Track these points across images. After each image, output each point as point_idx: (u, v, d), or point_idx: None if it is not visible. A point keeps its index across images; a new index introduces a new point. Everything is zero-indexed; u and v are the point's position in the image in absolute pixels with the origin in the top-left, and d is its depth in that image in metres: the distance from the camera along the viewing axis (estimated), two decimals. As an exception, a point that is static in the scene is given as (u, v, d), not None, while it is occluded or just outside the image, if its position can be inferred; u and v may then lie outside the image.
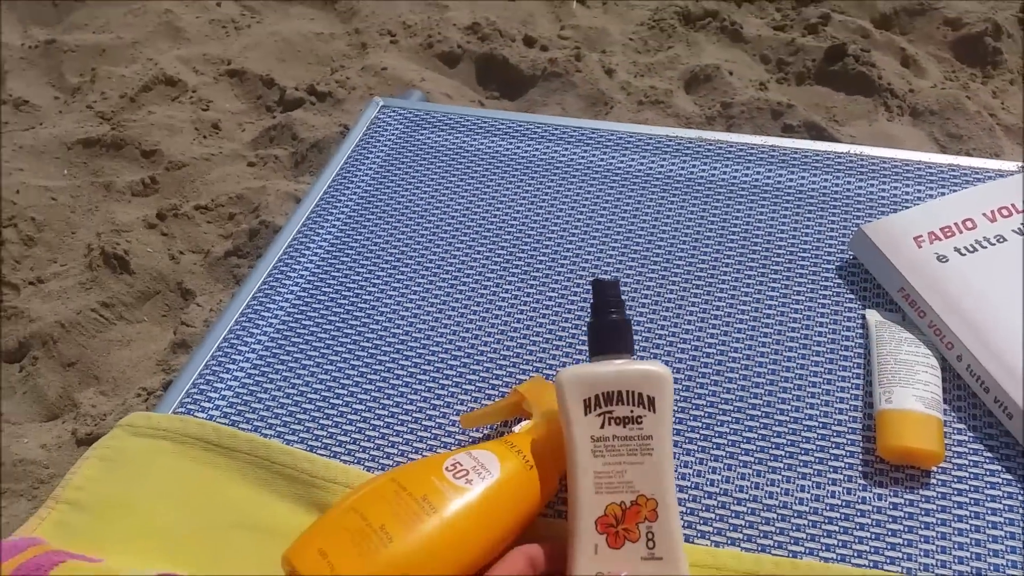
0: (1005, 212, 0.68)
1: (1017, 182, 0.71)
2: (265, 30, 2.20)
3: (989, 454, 0.58)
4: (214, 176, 1.81)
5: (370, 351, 0.70)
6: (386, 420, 0.65)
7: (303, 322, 0.73)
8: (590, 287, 0.57)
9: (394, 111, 0.94)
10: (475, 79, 2.02)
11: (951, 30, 2.05)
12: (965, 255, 0.66)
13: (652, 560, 0.49)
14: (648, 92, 1.91)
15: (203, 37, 2.21)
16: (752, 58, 2.01)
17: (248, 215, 1.69)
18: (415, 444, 0.63)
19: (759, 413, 0.62)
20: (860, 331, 0.66)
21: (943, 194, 0.75)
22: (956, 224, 0.68)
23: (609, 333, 0.54)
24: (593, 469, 0.50)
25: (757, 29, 2.07)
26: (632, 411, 0.50)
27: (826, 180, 0.78)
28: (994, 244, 0.66)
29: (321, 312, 0.73)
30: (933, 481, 0.57)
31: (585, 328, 0.69)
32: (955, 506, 0.55)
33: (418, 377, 0.67)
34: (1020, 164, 0.77)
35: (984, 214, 0.69)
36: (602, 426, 0.51)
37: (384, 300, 0.74)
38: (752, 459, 0.60)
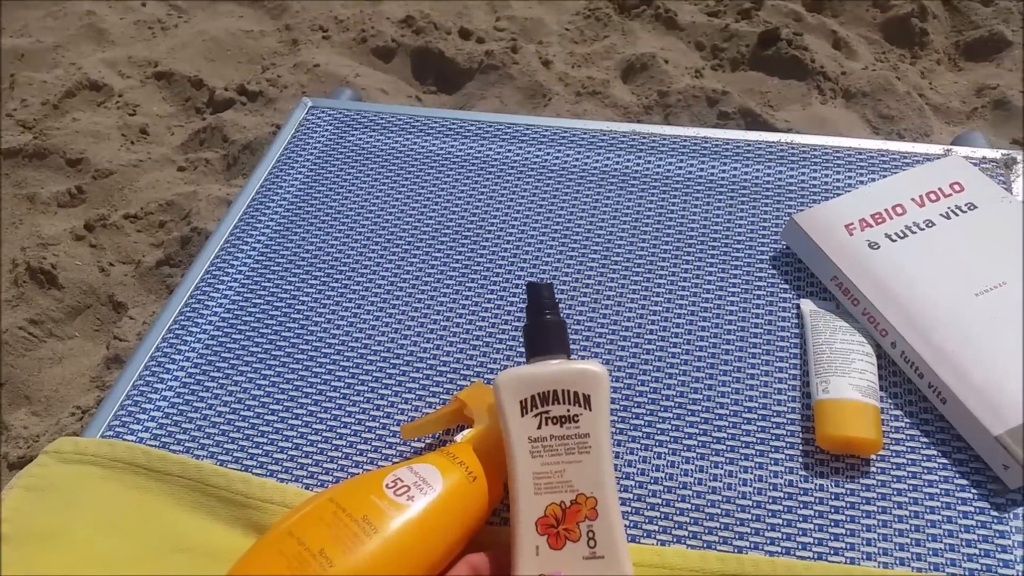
0: (933, 196, 0.69)
1: (943, 166, 0.72)
2: (193, 29, 2.14)
3: (926, 439, 0.58)
4: (143, 183, 1.75)
5: (305, 363, 0.68)
6: (324, 435, 0.63)
7: (233, 336, 0.70)
8: (525, 290, 0.57)
9: (323, 112, 0.92)
10: (411, 73, 1.99)
11: (880, 12, 2.08)
12: (896, 241, 0.66)
13: (594, 559, 0.49)
14: (585, 83, 1.90)
15: (128, 39, 2.14)
16: (687, 45, 2.02)
17: (179, 222, 1.64)
18: (355, 458, 0.61)
19: (699, 407, 0.62)
20: (796, 321, 0.66)
21: (873, 180, 0.75)
22: (886, 210, 0.69)
23: (544, 334, 0.54)
24: (532, 470, 0.50)
25: (691, 16, 2.08)
26: (568, 410, 0.50)
27: (758, 170, 0.78)
28: (923, 229, 0.67)
29: (252, 324, 0.71)
30: (872, 469, 0.57)
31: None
32: (895, 493, 0.56)
33: (356, 388, 0.66)
34: (945, 148, 0.78)
35: (913, 199, 0.69)
36: (539, 426, 0.51)
37: (318, 309, 0.72)
38: (693, 454, 0.59)
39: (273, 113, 1.86)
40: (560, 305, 0.69)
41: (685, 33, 2.04)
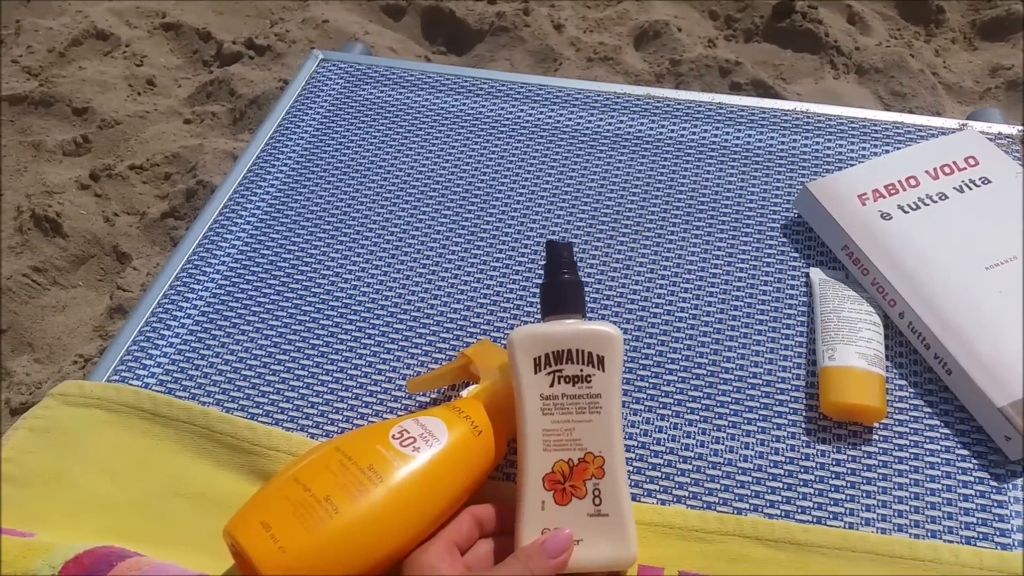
0: (947, 170, 0.69)
1: (958, 140, 0.72)
2: (201, -19, 2.11)
3: (929, 410, 0.59)
4: (149, 134, 1.74)
5: (312, 315, 0.68)
6: (330, 386, 0.63)
7: (241, 286, 0.70)
8: (543, 248, 0.57)
9: (334, 65, 0.91)
10: (420, 33, 1.97)
11: (897, -13, 2.06)
12: (908, 212, 0.66)
13: (598, 516, 0.49)
14: (597, 48, 1.89)
15: (135, -12, 2.12)
16: (701, 14, 1.99)
17: (185, 175, 1.63)
18: (360, 410, 0.62)
19: (704, 372, 0.62)
20: (804, 289, 0.66)
21: (887, 151, 0.75)
22: (900, 182, 0.68)
23: (560, 293, 0.54)
24: (542, 427, 0.51)
25: (706, -16, 2.05)
26: (582, 370, 0.51)
27: (772, 138, 0.78)
28: (936, 201, 0.67)
29: (260, 275, 0.71)
30: (875, 437, 0.57)
31: (534, 289, 0.68)
32: (896, 461, 0.56)
33: (363, 341, 0.66)
34: (961, 122, 0.78)
35: (927, 171, 0.69)
36: (551, 384, 0.51)
37: (326, 262, 0.72)
38: (697, 417, 0.60)
39: (281, 68, 1.85)
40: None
41: (699, 2, 2.02)
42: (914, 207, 0.66)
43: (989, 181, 0.68)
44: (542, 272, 0.55)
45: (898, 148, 0.75)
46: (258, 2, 2.06)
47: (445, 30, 1.96)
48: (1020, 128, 0.77)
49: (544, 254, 0.55)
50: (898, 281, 0.62)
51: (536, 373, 0.51)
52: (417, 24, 1.98)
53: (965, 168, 0.69)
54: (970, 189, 0.67)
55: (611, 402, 0.51)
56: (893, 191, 0.68)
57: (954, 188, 0.67)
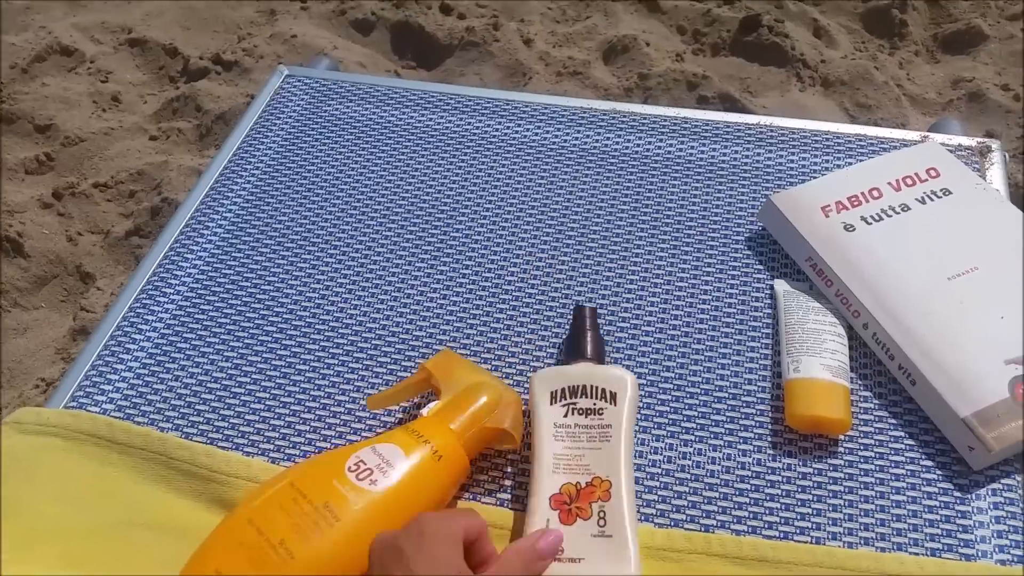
0: (909, 181, 0.69)
1: (920, 152, 0.72)
2: (168, -4, 2.09)
3: (894, 421, 0.59)
4: (114, 152, 1.72)
5: (274, 335, 0.67)
6: (291, 408, 0.62)
7: (201, 306, 0.69)
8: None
9: (300, 81, 0.90)
10: (390, 48, 1.96)
11: (860, 1, 2.08)
12: (871, 224, 0.66)
13: (602, 537, 0.50)
14: (566, 63, 1.89)
15: (101, 3, 2.09)
16: (669, 29, 2.01)
17: (150, 192, 1.61)
18: (323, 432, 0.61)
19: (670, 385, 0.62)
20: (769, 301, 0.67)
21: (851, 164, 0.75)
22: (863, 193, 0.69)
23: (584, 344, 0.59)
24: (553, 451, 0.54)
25: (674, -1, 2.07)
26: (594, 404, 0.55)
27: (736, 151, 0.78)
28: (899, 213, 0.67)
29: (221, 296, 0.70)
30: (840, 449, 0.57)
31: (501, 304, 0.67)
32: (861, 473, 0.56)
33: (325, 361, 0.65)
34: (923, 134, 0.78)
35: (889, 183, 0.69)
36: (565, 415, 0.55)
37: (289, 280, 0.71)
38: (663, 431, 0.59)
39: (248, 83, 1.83)
40: (536, 282, 0.69)
41: (667, 16, 2.03)
42: (877, 218, 0.67)
43: (950, 192, 0.68)
44: (569, 324, 0.62)
45: (861, 160, 0.75)
46: (226, 17, 2.04)
47: (414, 45, 1.96)
48: (980, 140, 0.77)
49: (572, 313, 0.63)
50: (861, 292, 0.62)
51: (552, 404, 0.56)
52: (386, 39, 1.97)
53: (927, 180, 0.69)
54: (932, 200, 0.68)
55: (621, 432, 0.53)
56: (856, 203, 0.68)
57: (916, 200, 0.68)
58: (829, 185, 0.70)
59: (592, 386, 0.56)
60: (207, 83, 1.83)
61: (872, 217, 0.67)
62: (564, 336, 0.65)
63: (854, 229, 0.66)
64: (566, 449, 0.54)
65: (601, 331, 0.63)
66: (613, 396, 0.55)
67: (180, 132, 1.74)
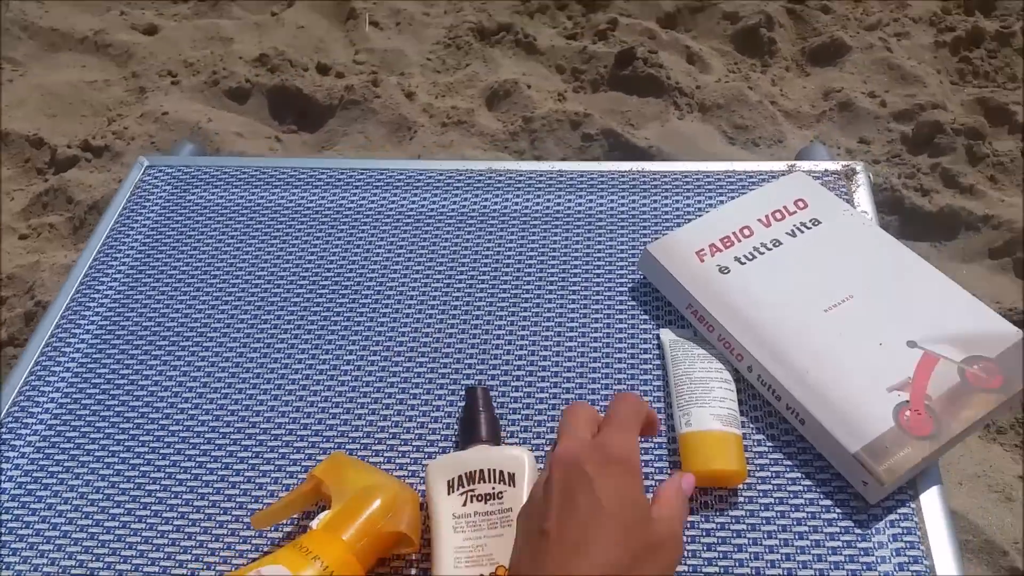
0: (778, 215, 0.70)
1: (786, 184, 0.74)
2: (29, 84, 2.00)
3: (789, 462, 0.59)
4: (-18, 254, 1.63)
5: (151, 444, 0.63)
6: (170, 533, 0.58)
7: (72, 423, 0.65)
8: (463, 392, 0.61)
9: (161, 171, 0.86)
10: (268, 114, 1.92)
11: (730, 24, 2.16)
12: (745, 263, 0.67)
13: None
14: (450, 112, 1.89)
15: (-43, 97, 2.00)
16: (548, 70, 2.03)
17: (22, 296, 1.52)
18: (205, 559, 0.57)
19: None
20: (658, 352, 0.66)
21: (723, 201, 0.76)
22: (734, 233, 0.69)
23: (476, 427, 0.58)
24: (454, 545, 0.52)
25: (550, 40, 2.10)
26: (493, 487, 0.54)
27: (612, 200, 0.78)
28: (771, 249, 0.68)
29: (92, 408, 0.66)
30: (740, 499, 0.57)
31: (386, 400, 0.65)
32: (763, 522, 0.56)
33: (203, 478, 0.61)
34: (789, 163, 0.80)
35: (759, 220, 0.70)
36: (464, 504, 0.53)
37: (163, 383, 0.67)
38: (567, 505, 0.58)
39: (121, 168, 1.76)
40: (425, 352, 0.67)
41: (545, 57, 2.06)
42: (750, 257, 0.67)
43: (819, 222, 0.69)
44: (461, 408, 0.61)
45: (733, 196, 0.76)
46: (93, 100, 1.97)
47: (294, 108, 1.92)
48: (844, 164, 0.79)
49: (464, 396, 0.61)
50: (742, 335, 0.62)
51: (449, 494, 0.54)
52: (264, 105, 1.93)
53: (795, 212, 0.71)
54: (802, 232, 0.69)
55: None
56: (728, 243, 0.68)
57: (786, 233, 0.69)
58: (701, 229, 0.70)
59: (489, 470, 0.54)
60: (77, 172, 1.75)
61: (745, 256, 0.67)
62: (448, 412, 0.63)
63: (729, 271, 0.66)
64: (466, 540, 0.52)
65: (495, 408, 0.61)
66: (511, 477, 0.54)
67: (52, 227, 1.66)
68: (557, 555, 0.42)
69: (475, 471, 0.54)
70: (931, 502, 0.56)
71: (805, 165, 0.79)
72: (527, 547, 0.44)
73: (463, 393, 0.64)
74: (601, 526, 0.42)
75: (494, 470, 0.54)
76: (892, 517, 0.55)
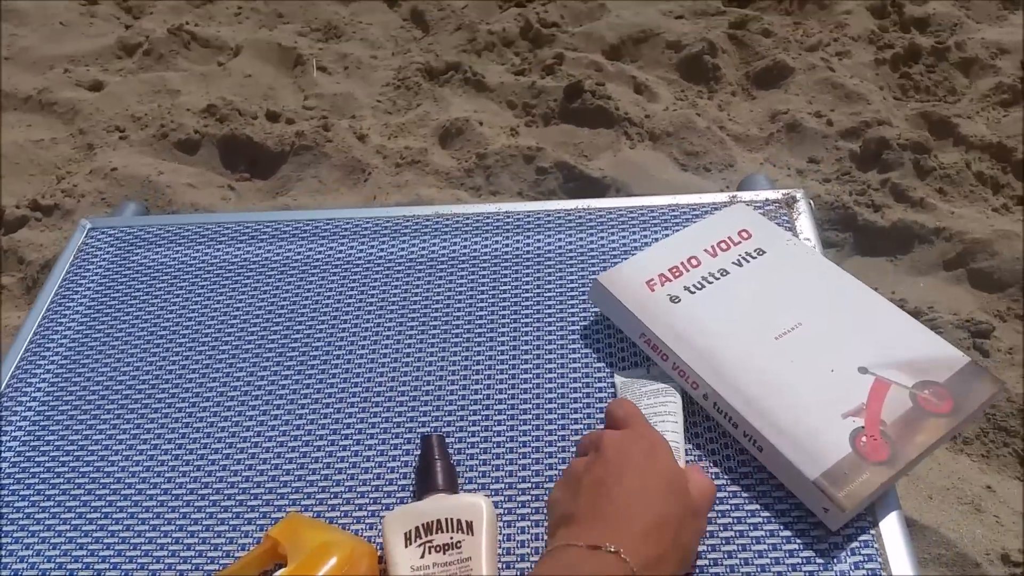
0: (724, 245, 0.71)
1: (730, 215, 0.74)
2: (-26, 144, 1.98)
3: (747, 494, 0.58)
4: (-69, 319, 1.59)
5: (104, 510, 0.62)
6: (121, 605, 0.56)
7: (26, 480, 0.63)
8: (419, 440, 0.62)
9: (104, 232, 0.85)
10: (220, 163, 1.91)
11: (674, 52, 2.20)
12: (695, 292, 0.67)
13: None
14: (404, 153, 1.89)
15: (-101, 162, 1.96)
16: (499, 106, 2.05)
17: (-26, 359, 1.49)
18: (159, 626, 0.55)
19: (528, 497, 0.59)
20: (613, 390, 0.66)
21: (667, 235, 0.77)
22: (682, 263, 0.69)
23: (432, 475, 0.58)
24: None
25: (499, 76, 2.12)
26: (452, 537, 0.53)
27: (560, 239, 0.78)
28: (719, 278, 0.68)
29: (46, 465, 0.64)
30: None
31: (340, 456, 0.64)
32: (725, 556, 0.55)
33: (158, 541, 0.59)
34: (731, 195, 0.81)
35: (706, 250, 0.71)
36: (422, 556, 0.53)
37: (113, 447, 0.66)
38: (528, 549, 0.57)
39: (71, 226, 1.74)
40: (379, 402, 0.67)
41: (495, 94, 2.08)
42: (699, 286, 0.67)
43: (764, 252, 0.70)
44: (417, 457, 0.61)
45: (678, 230, 0.76)
46: (40, 158, 1.94)
47: (245, 156, 1.91)
48: (784, 192, 0.80)
49: (419, 444, 0.61)
50: (695, 363, 0.62)
51: (407, 546, 0.53)
52: (215, 155, 1.92)
53: (740, 242, 0.71)
54: (748, 262, 0.69)
55: (482, 562, 0.52)
56: (677, 273, 0.69)
57: (733, 263, 0.69)
58: (651, 258, 0.70)
59: (447, 519, 0.54)
60: (27, 232, 1.72)
61: (694, 286, 0.68)
62: (405, 461, 0.62)
63: (679, 300, 0.66)
64: None
65: (451, 455, 0.60)
66: (469, 525, 0.53)
67: (5, 288, 1.63)
68: (617, 497, 0.48)
69: (432, 521, 0.54)
70: (890, 528, 0.56)
71: (746, 196, 0.80)
72: (579, 497, 0.49)
73: (415, 444, 0.63)
74: (653, 485, 0.49)
75: (452, 519, 0.54)
76: (854, 544, 0.55)
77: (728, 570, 0.54)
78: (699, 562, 0.55)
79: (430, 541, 0.53)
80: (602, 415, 0.64)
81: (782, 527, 0.56)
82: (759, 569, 0.54)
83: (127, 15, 2.47)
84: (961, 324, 1.48)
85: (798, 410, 0.58)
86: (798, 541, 0.55)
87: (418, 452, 0.63)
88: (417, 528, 0.54)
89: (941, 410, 0.58)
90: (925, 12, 2.23)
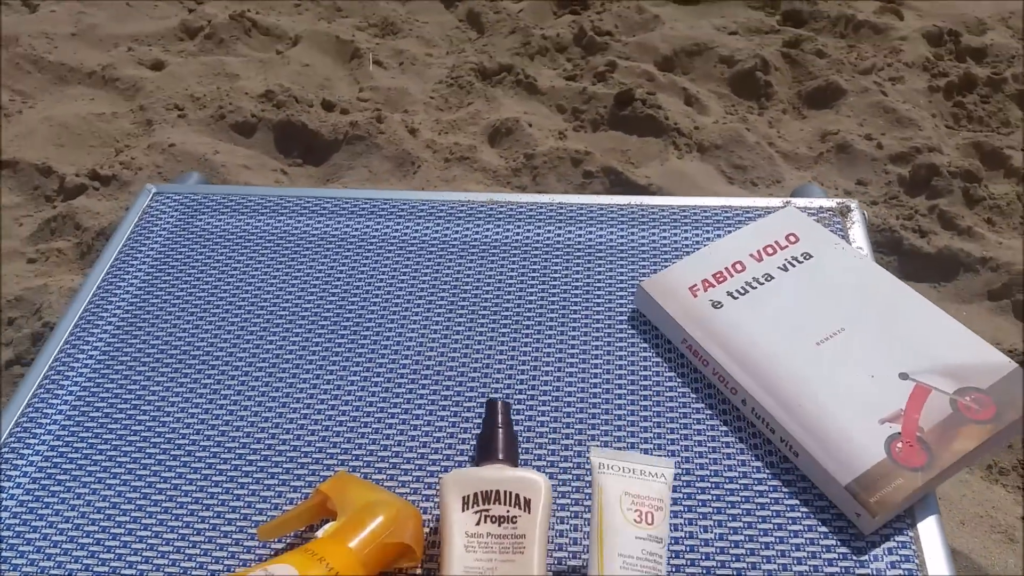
0: (770, 250, 0.72)
1: (778, 219, 0.75)
2: (39, 115, 2.03)
3: (787, 490, 0.59)
4: (-11, 278, 1.64)
5: (158, 457, 0.64)
6: (176, 542, 0.59)
7: (80, 434, 0.65)
8: (484, 404, 0.63)
9: (169, 197, 0.88)
10: (274, 147, 1.95)
11: (727, 67, 2.20)
12: (737, 298, 0.68)
13: None
14: (453, 149, 1.92)
15: (-33, 128, 2.03)
16: (549, 109, 2.07)
17: (30, 318, 1.53)
18: (211, 567, 0.57)
19: (570, 464, 0.61)
20: (657, 389, 0.67)
21: (719, 235, 0.78)
22: (727, 268, 0.70)
23: (494, 443, 0.57)
24: (464, 564, 0.51)
25: (550, 80, 2.14)
26: (508, 511, 0.53)
27: (611, 233, 0.80)
28: (763, 283, 0.69)
29: (100, 420, 0.66)
30: (739, 524, 0.57)
31: (389, 420, 0.66)
32: (763, 548, 0.56)
33: (208, 490, 0.62)
34: (784, 200, 0.82)
35: (751, 255, 0.71)
36: (478, 523, 0.52)
37: (170, 398, 0.68)
38: (567, 526, 0.58)
39: (128, 197, 1.79)
40: (428, 375, 0.68)
41: (546, 97, 2.10)
42: (742, 292, 0.68)
43: (811, 256, 0.71)
44: (480, 423, 0.60)
45: (728, 231, 0.78)
46: (101, 131, 2.00)
47: (299, 143, 1.95)
48: (839, 201, 0.81)
49: (484, 409, 0.60)
50: (735, 369, 0.63)
51: (464, 511, 0.53)
52: (270, 139, 1.96)
53: (787, 246, 0.72)
54: (793, 266, 0.70)
55: (534, 545, 0.51)
56: (721, 279, 0.70)
57: (778, 267, 0.70)
58: (694, 264, 0.71)
59: (506, 492, 0.53)
60: (85, 200, 1.77)
61: (738, 291, 0.68)
62: (451, 432, 0.64)
63: (721, 306, 0.67)
64: (477, 561, 0.51)
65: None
66: (528, 503, 0.53)
67: (60, 252, 1.68)
68: None
69: (491, 491, 0.53)
70: (929, 531, 0.56)
71: (800, 202, 0.81)
72: None
73: (464, 416, 0.65)
74: None
75: (511, 492, 0.53)
76: (890, 545, 0.56)
77: (766, 561, 0.56)
78: (735, 551, 0.56)
79: (487, 510, 0.53)
80: (645, 412, 0.65)
81: (820, 523, 0.57)
82: (796, 562, 0.55)
83: (191, -1, 2.54)
84: (1004, 354, 1.46)
85: (835, 416, 0.59)
86: (835, 538, 0.56)
87: (464, 425, 0.64)
88: (476, 495, 0.53)
89: (982, 416, 0.58)
90: (982, 43, 2.21)
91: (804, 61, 2.19)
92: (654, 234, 0.79)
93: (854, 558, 0.55)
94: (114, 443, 0.65)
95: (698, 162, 1.89)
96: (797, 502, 0.59)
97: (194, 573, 0.57)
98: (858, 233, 0.78)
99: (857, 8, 2.37)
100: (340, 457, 0.64)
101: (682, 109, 2.03)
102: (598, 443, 0.63)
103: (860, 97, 2.08)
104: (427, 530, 0.57)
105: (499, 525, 0.52)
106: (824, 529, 0.57)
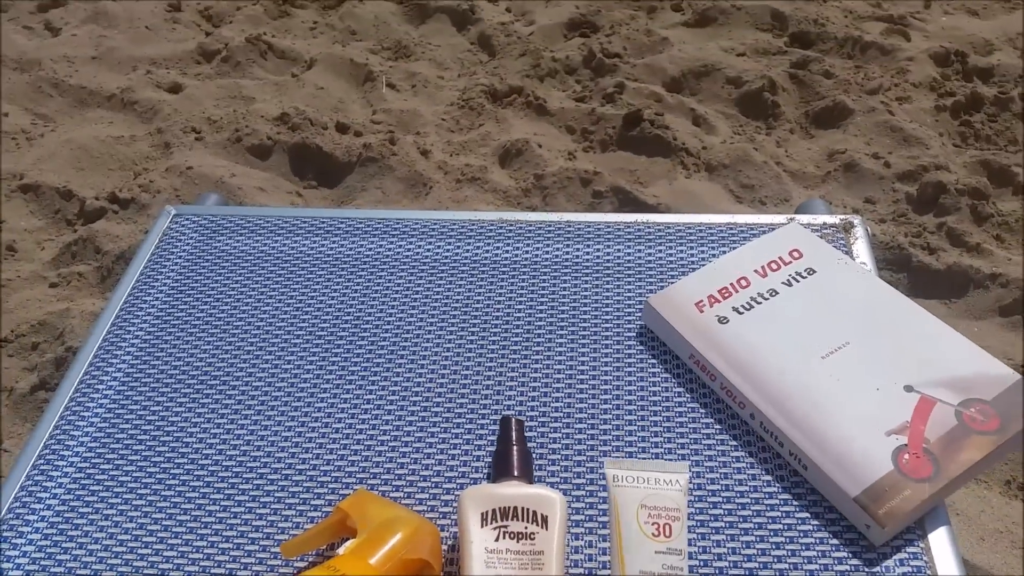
0: (774, 266, 0.73)
1: (782, 235, 0.77)
2: (59, 138, 2.08)
3: (797, 503, 0.60)
4: (13, 303, 1.67)
5: (182, 477, 0.66)
6: (201, 563, 0.60)
7: (106, 456, 0.67)
8: (497, 421, 0.65)
9: (188, 219, 0.90)
10: (289, 169, 1.99)
11: (734, 88, 2.22)
12: (743, 313, 0.70)
13: None
14: (464, 170, 1.95)
15: (-11, 151, 2.07)
16: (559, 130, 2.10)
17: (53, 342, 1.56)
18: (231, 582, 0.59)
19: (583, 480, 0.62)
20: (666, 405, 0.68)
21: (725, 252, 0.79)
22: (732, 284, 0.72)
23: (511, 460, 0.59)
24: None
25: (560, 102, 2.17)
26: (526, 527, 0.54)
27: (619, 250, 0.81)
28: (768, 299, 0.71)
29: (125, 442, 0.68)
30: (751, 537, 0.58)
31: (405, 437, 0.68)
32: (775, 560, 0.57)
33: (231, 510, 0.63)
34: (789, 216, 0.83)
35: (756, 270, 0.73)
36: (497, 539, 0.54)
37: (192, 419, 0.70)
38: (581, 542, 0.60)
39: (147, 220, 1.82)
40: (442, 392, 0.70)
41: (555, 118, 2.12)
42: (747, 307, 0.70)
43: (814, 271, 0.72)
44: (494, 440, 0.62)
45: (734, 248, 0.79)
46: (119, 154, 2.04)
47: (314, 165, 1.99)
48: (842, 217, 0.83)
49: (498, 426, 0.63)
50: (742, 383, 0.64)
51: (483, 527, 0.54)
52: (285, 162, 2.00)
53: (790, 262, 0.73)
54: (797, 282, 0.72)
55: (552, 560, 0.53)
56: (727, 294, 0.71)
57: (782, 283, 0.72)
58: (700, 280, 0.73)
59: (523, 508, 0.54)
60: (105, 223, 1.81)
61: (743, 306, 0.70)
62: (465, 450, 0.66)
63: (728, 321, 0.69)
64: None
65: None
66: (545, 519, 0.54)
67: (81, 276, 1.71)
68: None
69: (509, 507, 0.54)
70: (940, 542, 0.57)
71: (804, 218, 0.83)
72: None
73: (477, 433, 0.66)
74: None
75: (528, 509, 0.54)
76: (901, 556, 0.57)
77: (778, 574, 0.57)
78: (748, 564, 0.57)
79: (505, 527, 0.54)
80: (655, 427, 0.67)
81: (831, 535, 0.58)
82: (808, 574, 0.56)
83: (208, 23, 2.58)
84: (1016, 370, 1.47)
85: (841, 429, 0.60)
86: (846, 550, 0.57)
87: (477, 442, 0.66)
88: (494, 511, 0.54)
89: (987, 428, 0.59)
90: (989, 63, 2.22)
91: (811, 82, 2.21)
92: (661, 251, 0.81)
93: (866, 570, 0.56)
94: (139, 464, 0.67)
95: (706, 181, 1.91)
96: (808, 515, 0.60)
97: (217, 585, 0.59)
98: (861, 248, 0.79)
99: (864, 30, 2.39)
100: (359, 475, 0.65)
101: (690, 129, 2.05)
102: (611, 457, 0.64)
103: (867, 116, 2.10)
104: (445, 547, 0.59)
105: (518, 541, 0.53)
106: (835, 541, 0.58)
